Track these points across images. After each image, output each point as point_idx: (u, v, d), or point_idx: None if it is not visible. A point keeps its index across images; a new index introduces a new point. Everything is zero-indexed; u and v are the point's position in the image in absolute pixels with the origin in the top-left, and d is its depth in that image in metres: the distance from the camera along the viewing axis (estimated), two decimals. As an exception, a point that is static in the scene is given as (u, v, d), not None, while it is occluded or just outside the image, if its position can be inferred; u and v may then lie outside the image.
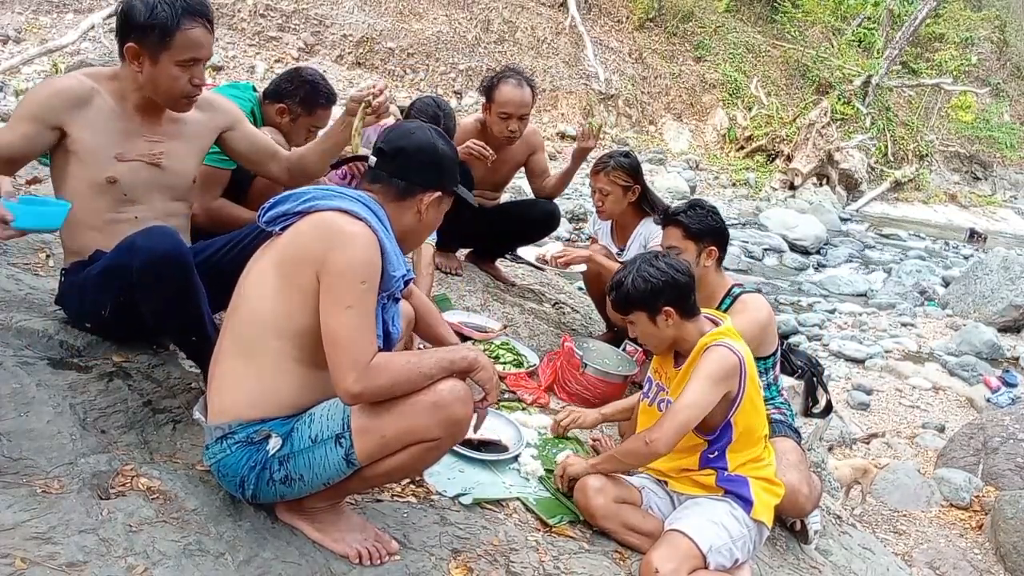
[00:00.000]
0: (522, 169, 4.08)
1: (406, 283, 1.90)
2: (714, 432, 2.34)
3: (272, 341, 1.76)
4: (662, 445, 2.25)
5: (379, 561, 1.90)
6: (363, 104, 2.25)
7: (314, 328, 1.73)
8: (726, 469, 2.36)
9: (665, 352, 2.45)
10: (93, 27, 12.31)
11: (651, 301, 2.30)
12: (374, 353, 1.71)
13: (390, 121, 3.86)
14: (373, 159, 1.92)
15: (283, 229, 1.82)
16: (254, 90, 3.21)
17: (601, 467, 2.41)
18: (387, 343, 1.87)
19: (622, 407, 2.82)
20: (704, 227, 2.86)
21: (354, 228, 1.74)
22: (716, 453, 2.36)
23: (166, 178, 2.27)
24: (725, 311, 2.82)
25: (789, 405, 3.05)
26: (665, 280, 2.30)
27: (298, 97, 3.06)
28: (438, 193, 1.93)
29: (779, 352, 2.97)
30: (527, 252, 3.77)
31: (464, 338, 3.37)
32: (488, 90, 3.73)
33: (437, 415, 1.75)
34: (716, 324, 2.39)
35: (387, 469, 1.82)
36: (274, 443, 1.78)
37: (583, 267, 3.59)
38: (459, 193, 1.98)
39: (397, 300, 1.92)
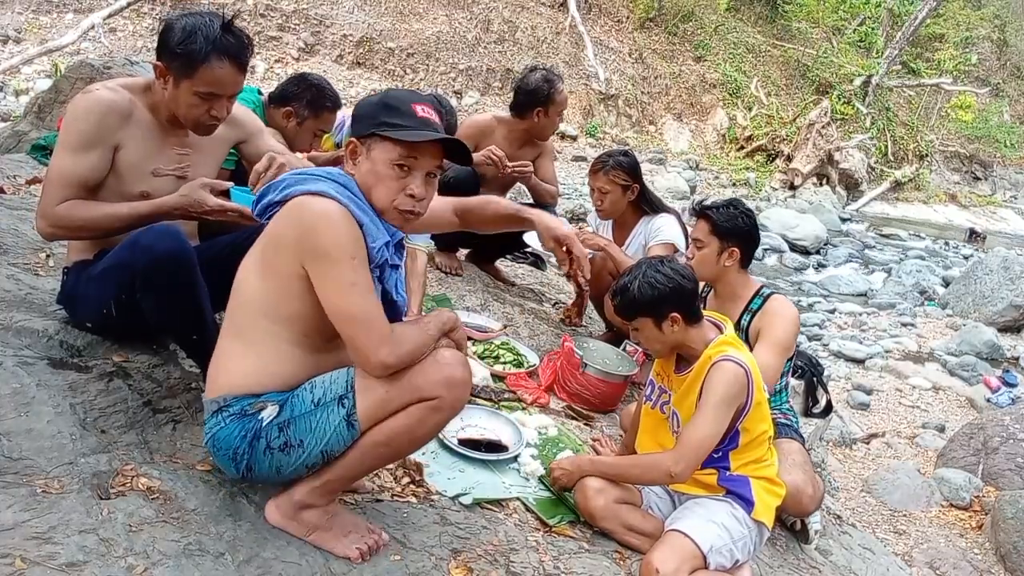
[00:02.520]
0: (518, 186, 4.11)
1: (399, 246, 1.89)
2: (722, 439, 2.35)
3: (264, 324, 1.80)
4: (684, 477, 2.28)
5: (376, 551, 1.90)
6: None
7: (305, 314, 1.77)
8: (728, 469, 2.36)
9: (667, 356, 2.45)
10: (93, 27, 12.32)
11: (658, 307, 2.29)
12: (388, 323, 1.75)
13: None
14: None
15: (269, 219, 1.85)
16: (259, 93, 3.23)
17: (610, 475, 2.41)
18: (393, 310, 1.88)
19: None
20: (732, 227, 2.87)
21: (325, 207, 1.73)
22: (721, 454, 2.36)
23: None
24: (756, 311, 2.85)
25: (794, 411, 3.08)
26: (672, 286, 2.29)
27: (304, 100, 3.10)
28: (352, 141, 1.86)
29: (791, 361, 2.99)
30: (534, 239, 3.76)
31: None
32: (548, 96, 3.79)
33: (440, 372, 1.77)
34: (719, 329, 2.40)
35: (387, 435, 1.78)
36: (269, 411, 1.80)
37: (590, 253, 3.58)
38: (385, 134, 1.79)
39: (396, 267, 1.91)
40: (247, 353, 1.81)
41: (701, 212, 2.94)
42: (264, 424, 1.79)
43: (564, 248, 2.33)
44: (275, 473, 1.85)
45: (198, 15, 2.10)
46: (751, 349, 2.81)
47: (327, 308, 1.73)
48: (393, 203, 1.83)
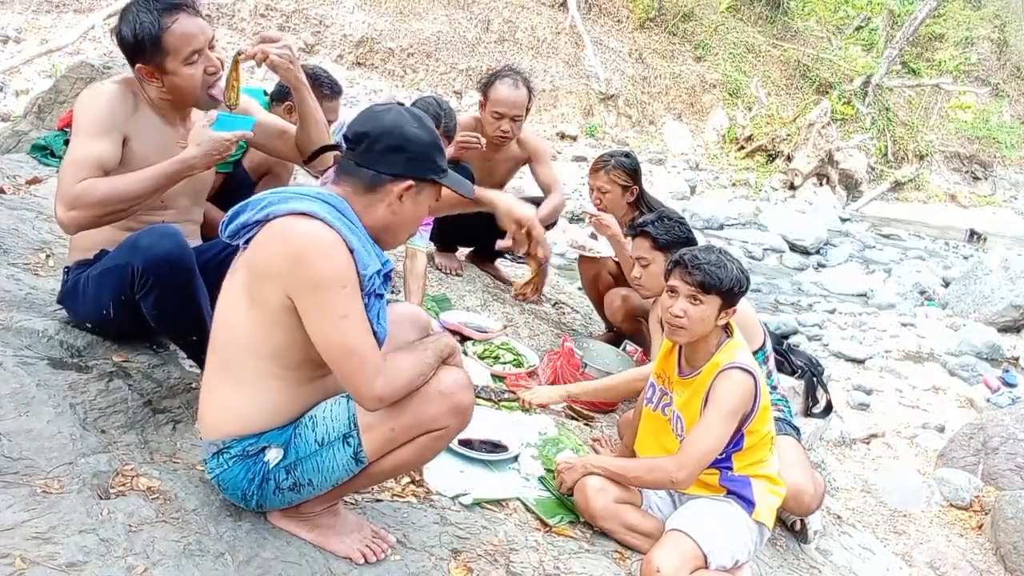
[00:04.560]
0: (522, 170, 4.08)
1: (386, 277, 1.80)
2: (727, 442, 2.35)
3: (249, 360, 1.72)
4: (687, 483, 2.31)
5: (381, 556, 1.90)
6: (236, 55, 2.17)
7: (293, 346, 1.70)
8: (731, 469, 2.36)
9: (689, 342, 2.39)
10: (93, 27, 12.30)
11: (735, 296, 2.31)
12: (382, 355, 1.70)
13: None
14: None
15: (247, 242, 1.74)
16: (265, 94, 3.21)
17: (611, 475, 2.40)
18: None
19: (591, 388, 3.00)
20: (672, 238, 2.88)
21: (312, 230, 1.62)
22: (724, 455, 2.37)
23: (195, 183, 2.30)
24: None
25: (787, 401, 3.06)
26: (747, 282, 2.33)
27: None
28: (409, 183, 1.74)
29: (769, 345, 2.98)
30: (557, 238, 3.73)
31: (464, 338, 3.38)
32: (484, 88, 3.74)
33: (445, 403, 1.76)
34: (728, 334, 2.40)
35: (393, 464, 1.82)
36: (274, 454, 1.77)
37: (607, 252, 3.57)
38: (443, 183, 1.80)
39: (381, 296, 1.82)
40: (237, 392, 1.75)
41: (639, 231, 2.95)
42: (271, 467, 1.77)
43: (524, 230, 2.40)
44: (287, 506, 1.86)
45: (129, 6, 2.09)
46: None
47: (316, 341, 1.65)
48: (409, 235, 1.89)
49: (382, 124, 1.72)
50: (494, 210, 2.45)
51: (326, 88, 3.08)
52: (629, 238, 3.11)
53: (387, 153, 1.72)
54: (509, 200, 2.46)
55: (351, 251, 1.66)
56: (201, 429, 1.83)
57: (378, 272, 1.74)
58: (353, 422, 1.74)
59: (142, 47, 2.07)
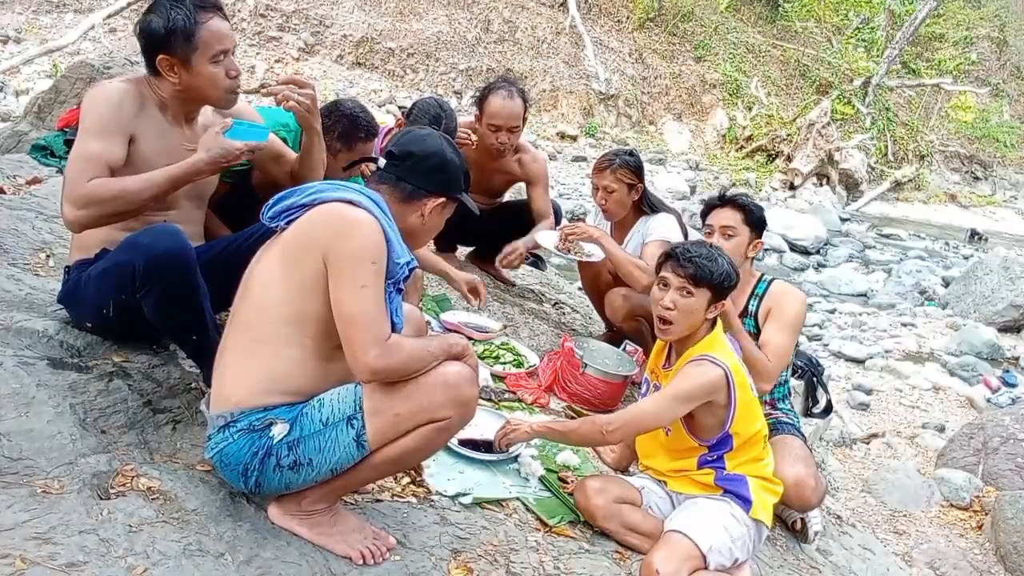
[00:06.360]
0: (519, 186, 4.06)
1: (410, 271, 1.93)
2: (712, 440, 2.36)
3: (280, 328, 1.79)
4: (615, 440, 2.40)
5: (380, 559, 1.90)
6: (260, 86, 2.34)
7: (321, 316, 1.77)
8: (724, 468, 2.37)
9: (682, 335, 2.42)
10: (93, 27, 12.31)
11: (726, 289, 2.34)
12: (390, 331, 1.76)
13: (390, 122, 3.85)
14: (382, 161, 1.97)
15: (288, 223, 1.85)
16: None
17: (551, 435, 2.49)
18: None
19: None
20: (761, 217, 2.93)
21: (358, 215, 1.78)
22: (716, 456, 2.38)
23: (198, 186, 2.30)
24: (762, 295, 2.93)
25: (795, 412, 3.10)
26: (736, 277, 2.38)
27: (336, 132, 2.88)
28: (442, 199, 1.97)
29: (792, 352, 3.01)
30: (546, 239, 3.71)
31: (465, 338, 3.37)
32: (480, 101, 3.72)
33: (448, 393, 1.80)
34: (711, 329, 2.42)
35: (395, 453, 1.83)
36: (280, 429, 1.79)
37: (599, 255, 3.55)
38: (463, 200, 2.03)
39: (400, 291, 1.94)
40: (256, 362, 1.80)
41: (729, 201, 2.94)
42: (275, 442, 1.79)
43: (473, 288, 3.40)
44: (284, 488, 1.86)
45: (160, 1, 2.10)
46: (759, 332, 2.83)
47: (334, 306, 1.74)
48: (424, 244, 2.05)
49: (426, 147, 1.95)
50: (449, 280, 3.46)
51: (362, 130, 2.98)
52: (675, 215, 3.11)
53: (429, 172, 1.94)
54: (459, 274, 3.41)
55: (387, 240, 1.81)
56: (212, 401, 1.86)
57: (407, 263, 1.87)
58: (359, 405, 1.78)
59: (172, 37, 2.07)
